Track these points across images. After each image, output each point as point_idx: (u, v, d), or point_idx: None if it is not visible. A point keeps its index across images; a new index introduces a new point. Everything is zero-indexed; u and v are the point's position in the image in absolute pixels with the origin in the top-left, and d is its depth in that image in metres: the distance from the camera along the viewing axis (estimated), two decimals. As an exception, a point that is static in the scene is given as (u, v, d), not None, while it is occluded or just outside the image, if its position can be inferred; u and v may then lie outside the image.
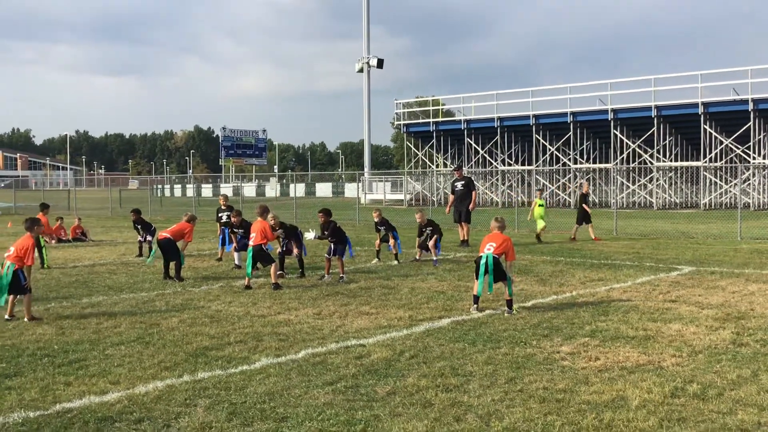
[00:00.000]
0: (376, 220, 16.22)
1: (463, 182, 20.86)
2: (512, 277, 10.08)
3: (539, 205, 21.98)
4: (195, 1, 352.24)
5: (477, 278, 10.04)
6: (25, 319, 9.56)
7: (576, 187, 48.28)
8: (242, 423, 5.54)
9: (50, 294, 11.93)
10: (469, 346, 7.99)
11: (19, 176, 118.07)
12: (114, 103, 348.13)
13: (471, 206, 20.23)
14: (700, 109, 41.87)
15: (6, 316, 9.65)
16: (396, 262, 15.64)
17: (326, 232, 13.52)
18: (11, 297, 9.68)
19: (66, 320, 9.66)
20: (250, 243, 12.56)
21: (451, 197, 21.41)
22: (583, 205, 21.90)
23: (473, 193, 20.68)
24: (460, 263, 15.78)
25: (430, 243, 15.76)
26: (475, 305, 10.11)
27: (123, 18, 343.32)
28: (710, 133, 42.49)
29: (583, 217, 21.82)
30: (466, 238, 20.02)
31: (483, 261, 9.90)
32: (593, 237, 21.63)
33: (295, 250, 13.87)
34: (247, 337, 8.48)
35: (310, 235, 14.03)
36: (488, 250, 9.96)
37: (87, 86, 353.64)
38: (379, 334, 8.65)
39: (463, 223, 20.23)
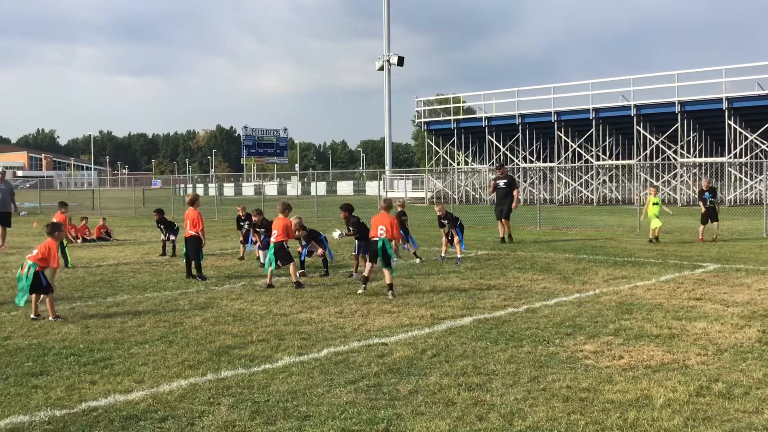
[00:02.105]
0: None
1: (505, 180, 21.21)
2: (395, 253, 11.54)
3: (654, 203, 19.81)
4: (216, 0, 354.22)
5: (371, 261, 11.32)
6: (50, 318, 9.67)
7: (599, 184, 47.94)
8: (265, 422, 5.57)
9: (75, 293, 12.06)
10: (492, 344, 7.97)
11: (44, 176, 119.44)
12: (137, 103, 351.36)
13: (513, 205, 20.67)
14: (725, 105, 41.39)
15: (32, 315, 9.77)
16: (418, 260, 15.63)
17: (351, 228, 13.55)
18: (33, 297, 9.79)
19: (91, 319, 9.76)
20: (272, 240, 12.61)
21: (492, 185, 21.82)
22: (700, 203, 20.58)
23: (515, 192, 21.04)
24: (482, 261, 15.74)
25: (455, 239, 15.79)
26: (363, 286, 11.39)
27: (145, 18, 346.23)
28: (735, 129, 41.99)
29: (708, 215, 20.17)
30: (508, 233, 20.46)
31: (379, 246, 11.13)
32: (700, 237, 19.92)
33: (320, 250, 13.83)
34: (269, 336, 8.52)
35: (336, 234, 14.07)
36: (381, 234, 11.13)
37: (110, 87, 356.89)
38: (401, 332, 8.66)
39: (504, 221, 20.58)
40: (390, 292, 11.11)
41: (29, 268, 9.76)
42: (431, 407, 5.84)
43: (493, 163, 52.04)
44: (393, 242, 11.46)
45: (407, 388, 6.37)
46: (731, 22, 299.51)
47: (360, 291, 11.44)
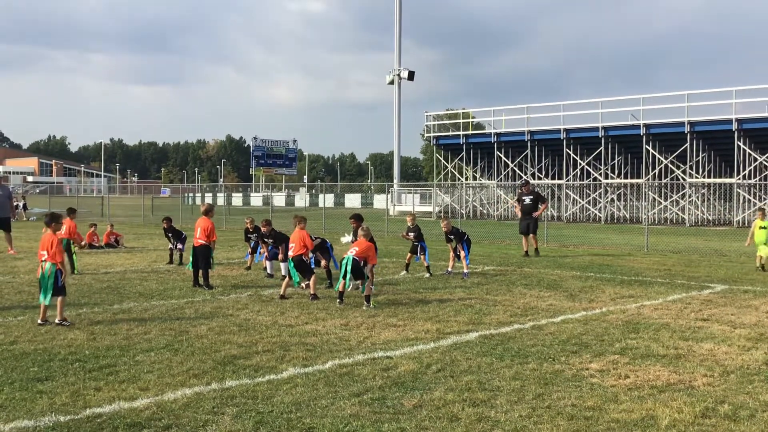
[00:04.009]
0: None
1: (531, 197, 21.55)
2: (369, 276, 11.80)
3: (761, 228, 17.42)
4: (229, 11, 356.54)
5: (342, 278, 11.67)
6: (56, 321, 9.67)
7: (607, 202, 47.85)
8: (269, 432, 5.56)
9: (82, 300, 12.10)
10: (497, 360, 7.95)
11: (54, 182, 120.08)
12: (148, 111, 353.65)
13: (536, 213, 21.16)
14: (734, 126, 41.32)
15: (38, 321, 9.80)
16: (428, 275, 15.60)
17: (357, 239, 13.58)
18: (58, 298, 9.79)
19: (97, 326, 9.79)
20: (290, 253, 12.53)
21: (517, 207, 22.21)
22: None
23: (542, 205, 21.61)
24: (488, 277, 15.72)
25: (461, 254, 15.80)
26: (339, 300, 11.66)
27: (157, 28, 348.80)
28: (744, 150, 41.91)
29: None
30: (535, 246, 20.90)
31: (345, 261, 11.63)
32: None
33: (323, 262, 13.89)
34: (274, 347, 8.52)
35: (345, 239, 14.21)
36: (351, 253, 11.71)
37: (122, 95, 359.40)
38: (406, 346, 8.65)
39: (531, 235, 20.96)
40: (365, 303, 11.54)
41: (48, 268, 9.77)
42: (435, 422, 5.83)
43: (501, 179, 52.05)
44: (369, 266, 11.88)
45: (412, 402, 6.36)
46: (742, 42, 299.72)
47: (338, 304, 11.61)
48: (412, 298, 12.56)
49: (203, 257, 13.55)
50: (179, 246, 17.77)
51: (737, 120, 41.28)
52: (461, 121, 57.02)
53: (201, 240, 13.60)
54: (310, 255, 14.04)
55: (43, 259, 9.95)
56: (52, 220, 10.33)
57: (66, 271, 10.11)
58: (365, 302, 11.54)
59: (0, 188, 21.32)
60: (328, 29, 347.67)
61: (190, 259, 13.99)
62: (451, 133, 56.53)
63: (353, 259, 11.61)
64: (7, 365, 7.59)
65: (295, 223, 12.81)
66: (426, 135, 59.28)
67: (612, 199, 49.06)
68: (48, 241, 9.97)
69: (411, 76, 58.20)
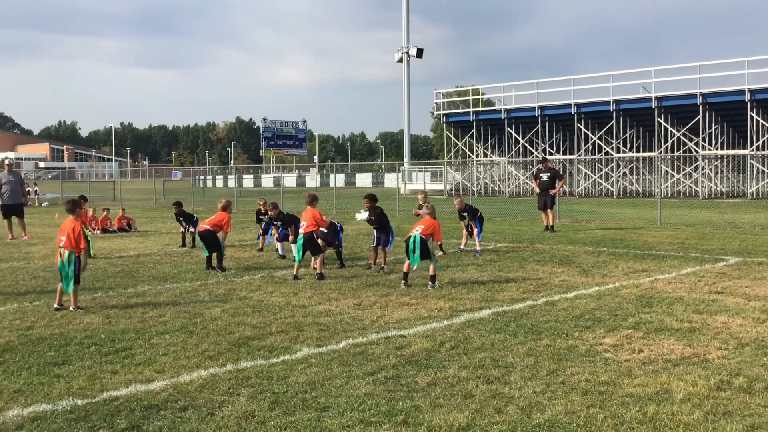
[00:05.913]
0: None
1: (549, 173, 21.68)
2: (436, 256, 11.63)
3: None
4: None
5: (408, 257, 11.37)
6: (71, 308, 9.73)
7: (619, 176, 47.58)
8: (284, 412, 5.60)
9: (96, 284, 12.17)
10: (510, 337, 7.95)
11: (65, 168, 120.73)
12: (157, 95, 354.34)
13: (552, 191, 21.24)
14: (747, 96, 40.90)
15: (55, 306, 9.86)
16: (440, 252, 15.58)
17: (373, 218, 13.62)
18: (59, 286, 9.83)
19: (112, 309, 9.85)
20: (301, 231, 12.56)
21: (534, 183, 22.55)
22: None
23: (559, 182, 21.80)
24: (501, 253, 15.70)
25: (474, 231, 15.84)
26: (404, 281, 11.40)
27: (166, 10, 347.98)
28: (757, 121, 41.50)
29: None
30: (552, 223, 20.92)
31: (411, 240, 11.29)
32: None
33: (320, 241, 13.83)
34: (288, 327, 8.56)
35: (360, 216, 14.21)
36: (417, 231, 11.34)
37: (131, 79, 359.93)
38: (419, 324, 8.66)
39: (549, 210, 21.10)
40: (430, 283, 11.28)
41: (68, 255, 9.77)
42: (449, 399, 5.85)
43: (512, 155, 51.86)
44: (435, 243, 11.58)
45: (425, 380, 6.37)
46: (754, 11, 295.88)
47: (402, 286, 11.35)
48: (425, 276, 12.54)
49: (211, 243, 13.64)
50: (191, 229, 17.82)
51: (750, 90, 40.86)
52: (471, 98, 56.74)
53: (206, 225, 13.73)
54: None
55: (61, 245, 9.90)
56: (75, 206, 10.18)
57: (85, 261, 10.07)
58: (430, 283, 11.28)
59: (12, 174, 21.38)
60: (335, 8, 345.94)
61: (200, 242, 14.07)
62: (460, 111, 56.30)
63: (420, 237, 11.27)
64: (24, 350, 7.66)
65: (307, 202, 12.86)
66: (436, 113, 59.07)
67: (624, 173, 48.83)
68: (70, 227, 9.89)
69: (419, 53, 57.92)
